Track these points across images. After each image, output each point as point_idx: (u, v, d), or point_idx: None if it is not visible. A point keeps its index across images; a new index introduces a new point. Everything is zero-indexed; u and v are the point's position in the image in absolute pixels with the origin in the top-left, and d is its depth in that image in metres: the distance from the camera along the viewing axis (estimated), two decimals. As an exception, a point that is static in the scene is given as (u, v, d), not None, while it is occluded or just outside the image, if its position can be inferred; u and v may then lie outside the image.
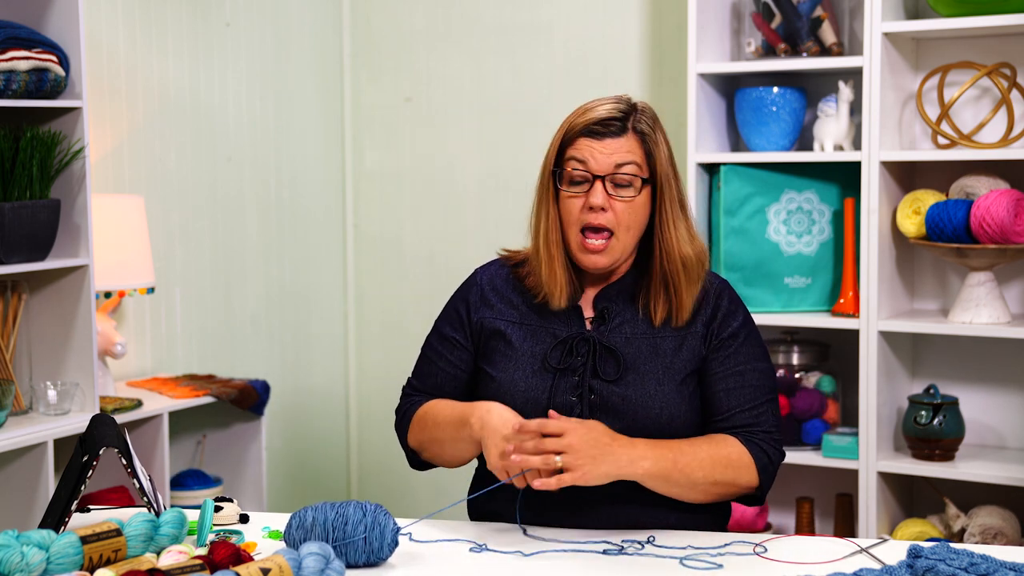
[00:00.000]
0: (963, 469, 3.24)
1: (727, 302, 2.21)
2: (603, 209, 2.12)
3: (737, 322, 2.20)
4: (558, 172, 2.16)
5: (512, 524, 2.15)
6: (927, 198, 3.29)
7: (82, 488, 1.99)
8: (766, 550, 2.01)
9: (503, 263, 2.30)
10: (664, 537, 2.08)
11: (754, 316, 3.38)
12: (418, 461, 2.29)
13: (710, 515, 2.22)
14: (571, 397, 2.15)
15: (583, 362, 2.16)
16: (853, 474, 3.42)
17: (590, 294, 2.22)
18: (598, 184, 2.12)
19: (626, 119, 2.14)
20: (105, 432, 2.04)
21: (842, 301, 3.39)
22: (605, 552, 2.00)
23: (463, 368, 2.27)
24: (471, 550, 2.02)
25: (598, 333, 2.18)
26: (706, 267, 2.22)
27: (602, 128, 2.13)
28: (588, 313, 2.21)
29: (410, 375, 2.34)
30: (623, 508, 2.13)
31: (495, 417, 2.08)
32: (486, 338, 2.24)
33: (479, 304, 2.26)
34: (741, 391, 2.17)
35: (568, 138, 2.15)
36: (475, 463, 2.30)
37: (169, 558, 1.83)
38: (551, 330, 2.19)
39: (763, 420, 2.17)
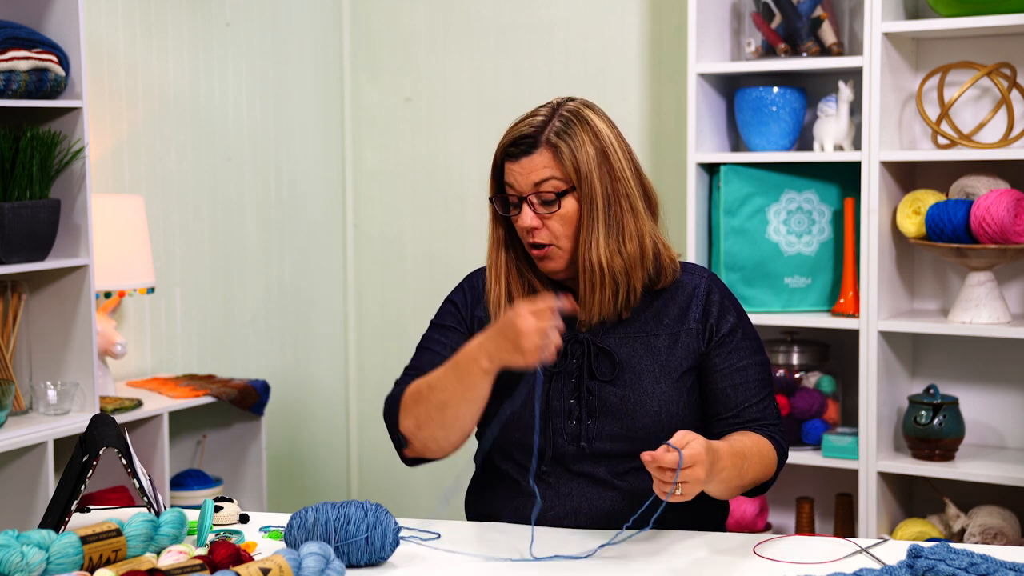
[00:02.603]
0: (963, 469, 3.24)
1: (719, 297, 2.21)
2: (536, 228, 2.13)
3: (733, 317, 2.20)
4: (502, 198, 2.17)
5: (511, 524, 2.15)
6: (927, 198, 3.29)
7: (82, 488, 1.99)
8: (766, 550, 2.01)
9: None
10: (665, 537, 2.08)
11: (754, 316, 3.41)
12: (412, 458, 2.21)
13: (708, 512, 2.22)
14: (569, 400, 2.15)
15: (578, 364, 2.16)
16: (853, 474, 3.42)
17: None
18: (524, 206, 2.13)
19: (539, 133, 2.12)
20: (105, 432, 2.04)
21: (842, 301, 3.39)
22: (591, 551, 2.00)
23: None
24: (471, 549, 2.02)
25: (591, 334, 2.18)
26: (636, 271, 2.16)
27: (516, 149, 2.13)
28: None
29: (404, 368, 2.29)
30: (622, 507, 2.13)
31: (516, 308, 1.98)
32: None
33: (475, 303, 2.26)
34: (746, 387, 2.18)
35: (498, 163, 2.18)
36: (472, 466, 2.30)
37: (169, 558, 1.83)
38: None
39: (769, 413, 2.19)
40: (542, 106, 2.17)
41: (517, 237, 2.21)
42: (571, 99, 2.17)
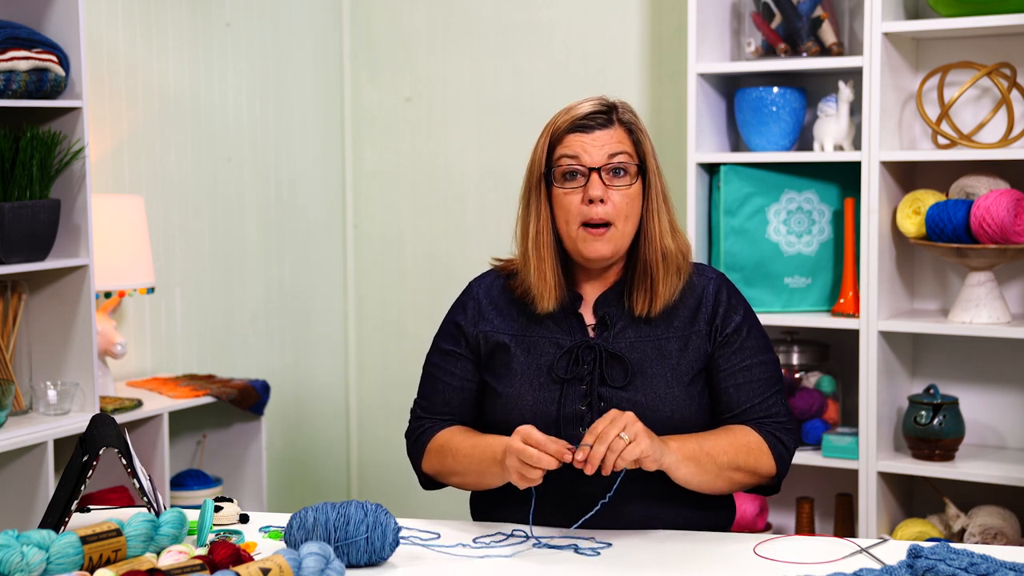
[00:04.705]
0: (963, 469, 3.24)
1: (727, 297, 2.21)
2: (602, 201, 2.12)
3: (739, 316, 2.20)
4: (549, 171, 2.16)
5: (511, 524, 2.15)
6: (927, 198, 3.29)
7: (82, 488, 1.99)
8: (766, 550, 2.01)
9: (497, 274, 2.29)
10: (666, 537, 2.08)
11: (754, 316, 3.40)
12: (431, 483, 2.28)
13: (715, 514, 2.22)
14: (580, 406, 2.14)
15: (590, 370, 2.15)
16: (853, 474, 3.42)
17: (589, 301, 2.21)
18: (594, 176, 2.13)
19: (610, 112, 2.17)
20: (105, 432, 2.04)
21: (842, 301, 3.39)
22: (577, 550, 2.01)
23: (470, 379, 2.25)
24: (471, 549, 2.02)
25: (602, 340, 2.17)
26: (689, 261, 2.22)
27: (589, 122, 2.15)
28: (589, 320, 2.20)
29: (416, 397, 2.31)
30: (630, 507, 2.13)
31: (522, 428, 2.04)
32: (489, 352, 2.22)
33: (477, 318, 2.24)
34: (750, 386, 2.18)
35: (556, 137, 2.16)
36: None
37: (169, 558, 1.83)
38: (554, 340, 2.19)
39: (774, 412, 2.19)
40: (591, 96, 2.20)
41: (554, 225, 2.19)
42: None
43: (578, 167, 2.14)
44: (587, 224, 2.13)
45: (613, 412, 2.00)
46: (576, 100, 2.20)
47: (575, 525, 2.07)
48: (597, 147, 2.14)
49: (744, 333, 2.20)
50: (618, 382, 2.14)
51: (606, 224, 2.13)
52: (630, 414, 1.99)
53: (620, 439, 1.95)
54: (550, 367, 2.17)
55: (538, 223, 2.17)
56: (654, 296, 2.17)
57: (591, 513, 2.05)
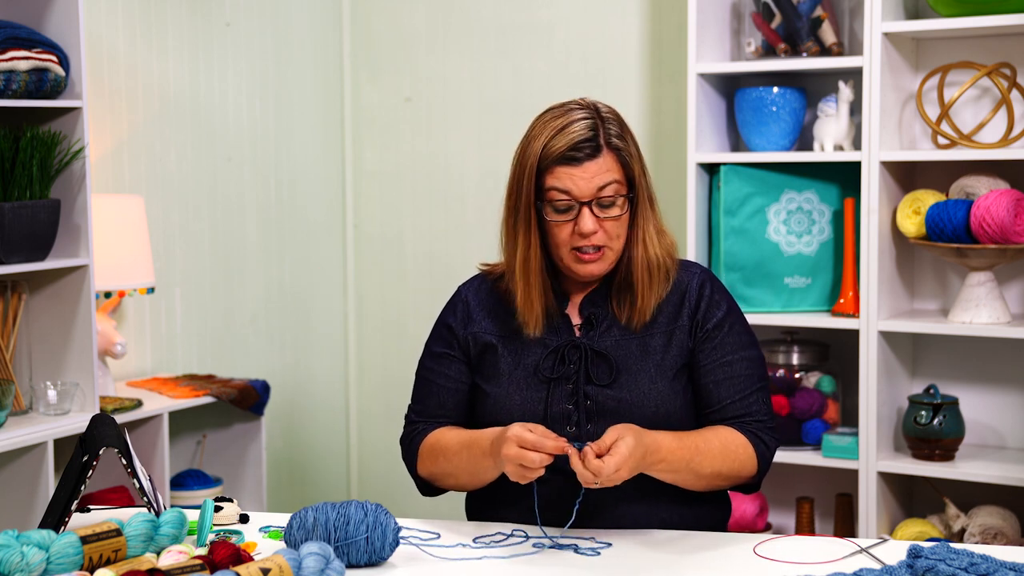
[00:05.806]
0: (963, 469, 3.24)
1: (710, 291, 2.21)
2: (595, 232, 2.11)
3: (721, 312, 2.20)
4: (540, 204, 2.13)
5: (511, 524, 2.16)
6: (927, 198, 3.29)
7: (82, 488, 1.99)
8: (766, 550, 2.01)
9: (485, 277, 2.29)
10: (665, 536, 2.08)
11: (754, 316, 3.41)
12: (429, 489, 2.28)
13: (712, 511, 2.22)
14: (567, 405, 2.15)
15: (575, 369, 2.16)
16: (853, 474, 3.42)
17: (576, 301, 2.22)
18: (585, 210, 2.10)
19: (597, 136, 2.11)
20: (105, 432, 2.04)
21: (842, 301, 3.39)
22: (577, 550, 2.01)
23: (463, 381, 2.25)
24: (471, 549, 2.02)
25: (587, 339, 2.17)
26: (675, 259, 2.21)
27: (578, 153, 2.10)
28: (576, 320, 2.20)
29: (410, 403, 2.31)
30: (628, 506, 2.14)
31: (511, 430, 2.03)
32: (479, 353, 2.23)
33: (466, 320, 2.25)
34: (730, 382, 2.17)
35: (544, 165, 2.11)
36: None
37: (169, 558, 1.83)
38: (541, 340, 2.19)
39: (755, 409, 2.18)
40: (573, 107, 2.14)
41: (543, 243, 2.18)
42: (594, 101, 2.17)
43: (568, 201, 2.11)
44: (578, 248, 2.13)
45: (626, 451, 1.95)
46: (561, 109, 2.14)
47: (568, 524, 2.07)
48: (587, 179, 2.09)
49: (726, 328, 2.19)
50: (603, 380, 2.14)
51: (599, 248, 2.13)
52: (632, 460, 1.96)
53: (591, 480, 1.96)
54: (536, 367, 2.17)
55: (527, 249, 2.15)
56: (642, 308, 2.16)
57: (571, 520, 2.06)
